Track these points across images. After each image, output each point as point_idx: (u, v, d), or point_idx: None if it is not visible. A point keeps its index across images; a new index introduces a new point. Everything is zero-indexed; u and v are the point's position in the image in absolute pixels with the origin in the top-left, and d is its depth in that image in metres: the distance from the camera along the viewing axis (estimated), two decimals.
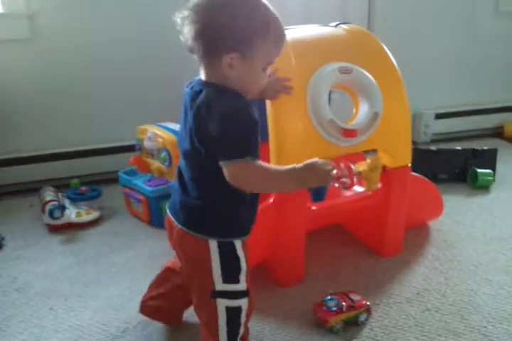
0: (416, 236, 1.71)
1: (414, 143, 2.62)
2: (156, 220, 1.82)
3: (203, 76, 0.97)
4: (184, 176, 1.01)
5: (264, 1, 0.93)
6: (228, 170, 0.90)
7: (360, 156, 1.55)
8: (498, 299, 1.37)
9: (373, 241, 1.63)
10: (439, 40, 2.62)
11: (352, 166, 1.48)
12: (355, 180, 1.48)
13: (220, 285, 0.99)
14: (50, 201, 1.81)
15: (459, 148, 2.16)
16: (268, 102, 1.30)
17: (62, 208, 1.80)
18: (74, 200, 1.92)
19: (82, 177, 2.12)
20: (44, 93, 2.13)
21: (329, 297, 1.28)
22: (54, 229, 1.82)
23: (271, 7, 0.93)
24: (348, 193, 1.52)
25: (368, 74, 1.35)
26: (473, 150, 2.14)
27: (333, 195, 1.51)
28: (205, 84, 0.95)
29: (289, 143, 1.32)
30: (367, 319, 1.28)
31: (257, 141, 0.92)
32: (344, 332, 1.25)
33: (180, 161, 1.03)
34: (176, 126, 1.83)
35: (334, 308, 1.25)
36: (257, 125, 0.91)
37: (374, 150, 1.47)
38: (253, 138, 0.91)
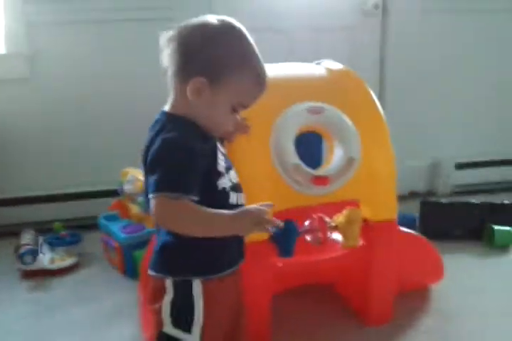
0: (410, 302, 1.48)
1: (432, 194, 2.42)
2: (130, 270, 1.70)
3: (167, 107, 0.89)
4: None
5: (251, 40, 0.87)
6: (151, 203, 0.80)
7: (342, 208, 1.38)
8: None
9: (357, 307, 1.42)
10: (462, 85, 2.45)
11: (326, 218, 1.33)
12: (329, 234, 1.33)
13: (168, 327, 0.88)
14: (24, 245, 1.74)
15: (474, 201, 1.94)
16: (226, 144, 1.18)
17: (35, 253, 1.72)
18: (53, 245, 1.84)
19: (70, 221, 2.04)
20: (33, 133, 2.13)
21: None
22: (26, 275, 1.73)
23: (256, 48, 0.88)
24: (325, 249, 1.34)
25: (342, 115, 1.22)
26: (491, 205, 1.91)
27: (306, 250, 1.34)
28: (166, 113, 0.88)
29: (252, 189, 1.18)
30: None
31: (189, 177, 0.81)
32: None
33: None
34: None
35: None
36: (194, 160, 0.82)
37: (354, 201, 1.31)
38: (184, 173, 0.81)
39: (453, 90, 2.44)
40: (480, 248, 1.86)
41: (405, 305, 1.45)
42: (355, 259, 1.34)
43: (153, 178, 0.80)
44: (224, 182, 0.90)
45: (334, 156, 1.24)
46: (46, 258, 1.76)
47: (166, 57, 0.87)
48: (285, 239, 1.24)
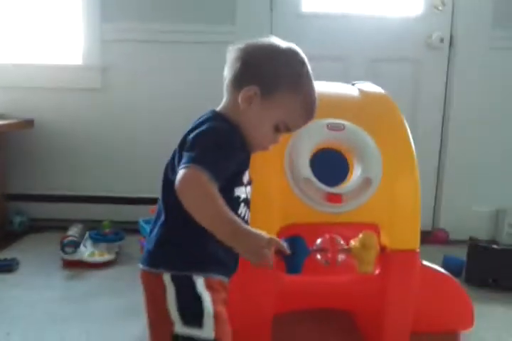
0: None
1: (494, 242, 2.22)
2: None
3: (217, 108, 0.94)
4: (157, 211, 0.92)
5: (310, 69, 0.92)
6: (179, 172, 0.79)
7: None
8: None
9: (370, 339, 1.34)
10: None
11: (340, 240, 1.29)
12: (341, 256, 1.28)
13: (179, 327, 0.83)
14: (67, 236, 1.87)
15: None
16: None
17: (77, 244, 1.84)
18: (95, 240, 1.95)
19: (118, 223, 2.17)
20: (95, 139, 2.35)
21: None
22: (67, 264, 1.86)
23: (313, 78, 0.92)
24: (337, 272, 1.29)
25: (364, 134, 1.20)
26: None
27: (316, 271, 1.29)
28: (214, 111, 0.92)
29: (262, 199, 1.18)
30: None
31: (222, 163, 0.81)
32: None
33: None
34: None
35: None
36: (232, 152, 0.84)
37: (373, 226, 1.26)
38: (218, 158, 0.81)
39: None
40: None
41: None
42: (368, 287, 1.27)
43: (188, 154, 0.81)
44: (240, 192, 0.91)
45: (352, 175, 1.22)
46: (87, 251, 1.88)
47: (228, 65, 0.91)
48: (293, 253, 1.22)
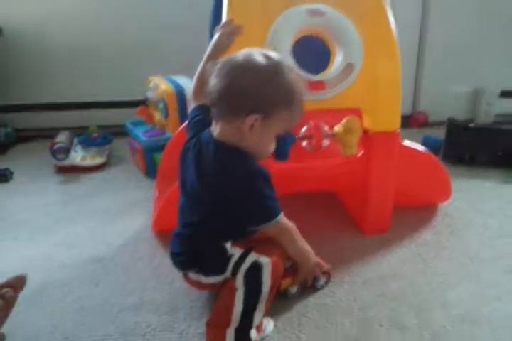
0: (416, 217, 1.49)
1: (472, 122, 2.30)
2: (151, 171, 1.81)
3: (216, 132, 0.97)
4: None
5: (294, 70, 0.96)
6: (271, 229, 1.00)
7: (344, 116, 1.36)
8: (478, 298, 1.12)
9: (356, 216, 1.46)
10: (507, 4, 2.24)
11: (324, 126, 1.33)
12: (326, 142, 1.33)
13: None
14: (57, 143, 1.89)
15: (506, 127, 1.83)
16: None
17: (67, 150, 1.87)
18: (84, 145, 1.98)
19: (111, 127, 2.18)
20: (67, 41, 2.24)
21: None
22: (60, 170, 1.91)
23: (298, 77, 0.95)
24: (324, 156, 1.35)
25: (344, 18, 1.17)
26: None
27: (304, 156, 1.35)
28: (219, 142, 0.96)
29: None
30: (327, 282, 1.19)
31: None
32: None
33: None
34: (183, 80, 1.79)
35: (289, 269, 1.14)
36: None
37: (356, 110, 1.29)
38: (275, 197, 1.00)
39: (504, 11, 2.24)
40: (503, 175, 1.79)
41: (410, 220, 1.47)
42: (354, 168, 1.34)
43: (257, 207, 0.97)
44: None
45: (334, 62, 1.22)
46: (78, 156, 1.91)
47: (214, 88, 0.92)
48: (279, 141, 1.27)
